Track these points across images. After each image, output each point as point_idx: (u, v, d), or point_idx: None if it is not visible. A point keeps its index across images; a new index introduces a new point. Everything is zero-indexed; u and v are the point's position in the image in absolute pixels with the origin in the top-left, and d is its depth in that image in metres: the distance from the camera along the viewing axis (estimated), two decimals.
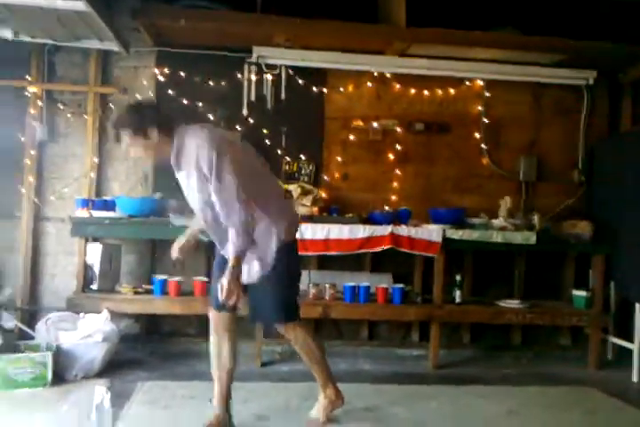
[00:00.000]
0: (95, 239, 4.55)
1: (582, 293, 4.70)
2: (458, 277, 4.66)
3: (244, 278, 2.91)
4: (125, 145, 2.89)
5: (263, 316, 3.15)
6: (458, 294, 4.64)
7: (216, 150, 2.74)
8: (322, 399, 3.28)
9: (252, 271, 2.95)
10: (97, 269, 4.32)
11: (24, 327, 4.15)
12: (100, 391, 2.84)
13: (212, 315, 3.17)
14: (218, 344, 3.16)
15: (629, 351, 4.49)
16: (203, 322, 4.81)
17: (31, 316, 4.69)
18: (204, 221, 2.98)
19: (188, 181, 2.87)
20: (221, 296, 2.77)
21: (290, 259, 3.04)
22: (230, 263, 2.78)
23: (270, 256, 2.95)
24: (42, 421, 3.11)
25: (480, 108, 5.29)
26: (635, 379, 4.38)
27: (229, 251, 2.81)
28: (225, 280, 2.76)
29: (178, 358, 4.35)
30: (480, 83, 5.27)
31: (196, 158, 2.75)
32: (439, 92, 5.24)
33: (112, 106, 4.89)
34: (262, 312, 3.08)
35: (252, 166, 2.95)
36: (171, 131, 2.86)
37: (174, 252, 3.16)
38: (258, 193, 2.90)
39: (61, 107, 4.86)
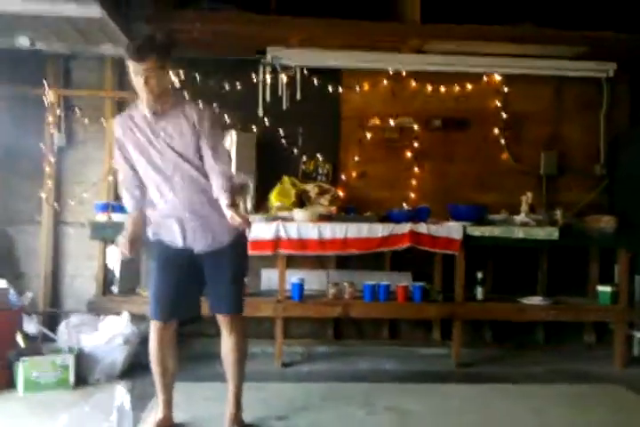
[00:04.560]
0: (114, 242, 4.57)
1: (607, 288, 4.60)
2: (479, 275, 4.61)
3: (199, 247, 2.95)
4: (143, 70, 2.74)
5: (221, 305, 3.03)
6: (479, 291, 4.59)
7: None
8: (231, 413, 3.13)
9: (207, 240, 2.95)
10: (117, 271, 4.36)
11: (46, 331, 4.18)
12: (120, 393, 2.86)
13: (157, 328, 3.03)
14: (162, 360, 3.07)
15: None
16: None
17: (52, 319, 4.71)
18: (172, 183, 2.89)
19: (172, 133, 2.87)
20: (240, 224, 2.73)
21: (244, 246, 3.12)
22: (228, 201, 2.77)
23: (224, 233, 2.95)
24: (64, 423, 3.13)
25: (498, 103, 5.24)
26: None
27: (223, 189, 2.79)
28: (235, 213, 2.72)
29: (199, 359, 4.34)
30: (498, 78, 5.22)
31: (198, 113, 2.90)
32: (456, 88, 5.19)
33: None
34: (221, 301, 3.02)
35: None
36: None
37: (125, 249, 2.89)
38: None
39: (78, 113, 4.91)
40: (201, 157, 2.90)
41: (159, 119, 2.89)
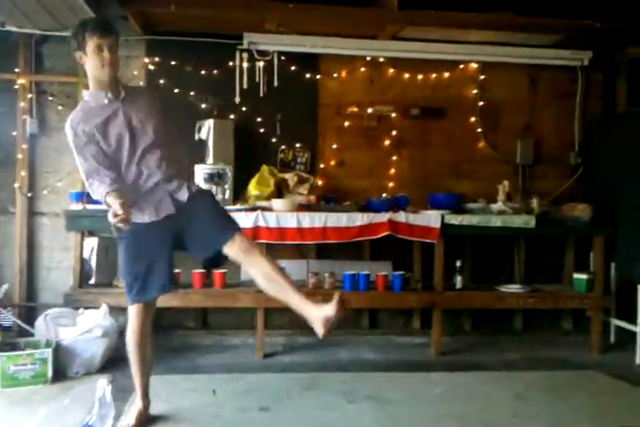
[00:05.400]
0: (91, 233, 4.49)
1: (583, 275, 4.66)
2: (458, 264, 4.63)
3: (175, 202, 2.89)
4: (107, 45, 2.74)
5: (218, 235, 2.79)
6: (458, 279, 4.61)
7: None
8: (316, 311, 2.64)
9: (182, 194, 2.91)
10: (93, 263, 4.29)
11: (23, 324, 4.10)
12: (101, 384, 2.83)
13: (138, 311, 2.93)
14: (142, 346, 2.97)
15: (632, 334, 4.46)
16: (201, 315, 4.84)
17: (29, 312, 4.66)
18: (154, 159, 2.86)
19: (143, 110, 2.86)
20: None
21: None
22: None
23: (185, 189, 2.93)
24: (43, 416, 3.08)
25: (475, 91, 5.25)
26: (638, 361, 4.34)
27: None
28: None
29: (177, 352, 4.32)
30: (475, 65, 5.23)
31: (149, 92, 3.16)
32: (433, 75, 5.19)
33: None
34: (216, 232, 2.80)
35: None
36: None
37: (122, 211, 2.60)
38: None
39: (51, 98, 4.79)
40: (165, 131, 2.92)
41: (124, 100, 2.84)
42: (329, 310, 2.58)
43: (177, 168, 2.95)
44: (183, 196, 2.90)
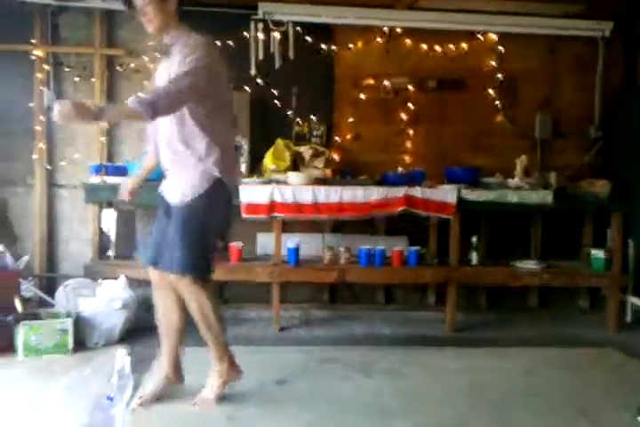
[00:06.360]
0: (109, 205, 4.52)
1: (600, 253, 4.60)
2: (474, 239, 4.61)
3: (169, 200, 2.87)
4: (142, 12, 2.74)
5: (164, 260, 2.82)
6: (474, 255, 4.60)
7: (210, 53, 2.77)
8: (215, 376, 3.01)
9: (174, 195, 2.83)
10: (113, 235, 4.32)
11: (43, 295, 4.17)
12: (120, 356, 2.87)
13: (150, 274, 3.00)
14: (163, 300, 3.00)
15: None
16: (218, 288, 4.86)
17: (49, 283, 4.73)
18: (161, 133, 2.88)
19: (168, 70, 2.78)
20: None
21: (215, 206, 2.84)
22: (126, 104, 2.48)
23: (192, 188, 2.78)
24: (64, 386, 3.14)
25: (494, 63, 5.17)
26: None
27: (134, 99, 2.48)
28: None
29: (195, 324, 4.35)
30: (493, 36, 5.14)
31: (193, 46, 2.75)
32: (451, 46, 5.11)
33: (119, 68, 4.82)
34: (165, 256, 2.81)
35: (221, 93, 2.86)
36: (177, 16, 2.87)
37: (125, 195, 3.21)
38: (214, 117, 2.82)
39: (67, 70, 4.78)
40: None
41: (163, 61, 2.91)
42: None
43: (176, 152, 2.83)
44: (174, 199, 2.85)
